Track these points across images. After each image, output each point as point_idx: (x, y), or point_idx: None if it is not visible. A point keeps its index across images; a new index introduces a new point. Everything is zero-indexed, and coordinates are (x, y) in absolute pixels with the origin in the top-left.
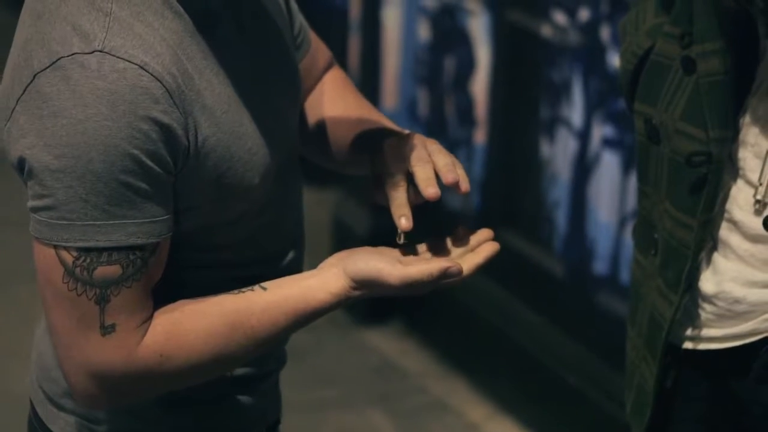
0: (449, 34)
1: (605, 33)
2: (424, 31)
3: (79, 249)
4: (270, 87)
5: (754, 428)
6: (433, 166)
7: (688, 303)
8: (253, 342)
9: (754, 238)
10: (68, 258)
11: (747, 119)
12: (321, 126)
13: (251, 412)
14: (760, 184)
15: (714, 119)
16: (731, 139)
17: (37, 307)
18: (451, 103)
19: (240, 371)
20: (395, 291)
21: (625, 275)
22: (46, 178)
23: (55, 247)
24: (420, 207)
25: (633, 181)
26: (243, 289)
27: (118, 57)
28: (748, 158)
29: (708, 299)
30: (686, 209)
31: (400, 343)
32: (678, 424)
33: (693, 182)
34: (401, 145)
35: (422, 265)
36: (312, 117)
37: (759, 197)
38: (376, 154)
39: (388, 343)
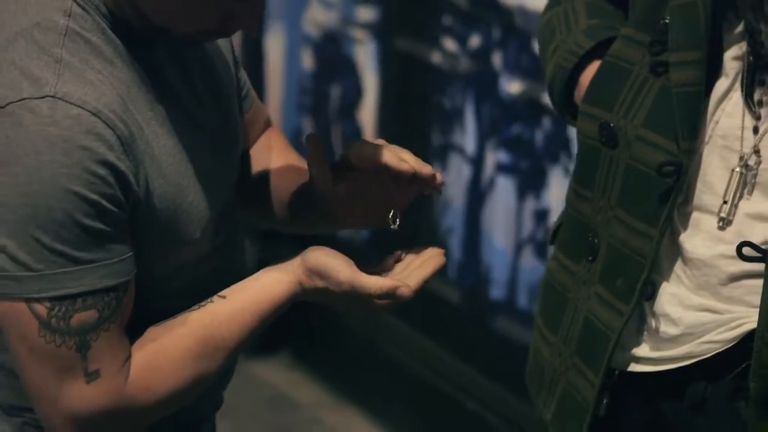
0: (334, 62)
1: (497, 59)
2: (308, 60)
3: (52, 299)
4: (212, 139)
5: None
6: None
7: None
8: (227, 351)
9: (688, 261)
10: (42, 310)
11: (709, 133)
12: (268, 179)
13: None
14: (725, 202)
15: (686, 130)
16: (697, 150)
17: None
18: (338, 132)
19: (181, 417)
20: (341, 295)
21: (522, 300)
22: (9, 233)
23: (27, 300)
24: (308, 238)
25: (528, 206)
26: (203, 303)
27: (70, 103)
28: (710, 174)
29: (644, 317)
30: (648, 219)
31: (289, 374)
32: None
33: (661, 192)
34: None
35: (375, 277)
36: (259, 170)
37: (723, 215)
38: (349, 149)
39: (278, 375)
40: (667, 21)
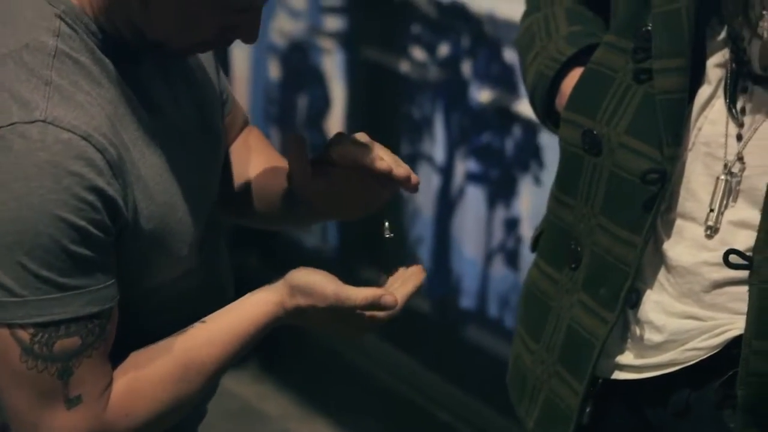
0: (302, 72)
1: (466, 68)
2: (274, 70)
3: (35, 325)
4: (196, 154)
5: None
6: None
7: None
8: (208, 375)
9: (672, 269)
10: (25, 336)
11: (692, 140)
12: (248, 178)
13: None
14: (711, 210)
15: (669, 137)
16: (680, 158)
17: None
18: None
19: (167, 429)
20: (326, 310)
21: (493, 310)
22: None
23: (9, 326)
24: (278, 247)
25: (498, 214)
26: (187, 328)
27: (61, 127)
28: (693, 181)
29: (628, 325)
30: (632, 226)
31: (257, 386)
32: None
33: (645, 200)
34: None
35: (359, 288)
36: (239, 170)
37: (710, 223)
38: (330, 145)
39: (245, 387)
40: (650, 28)
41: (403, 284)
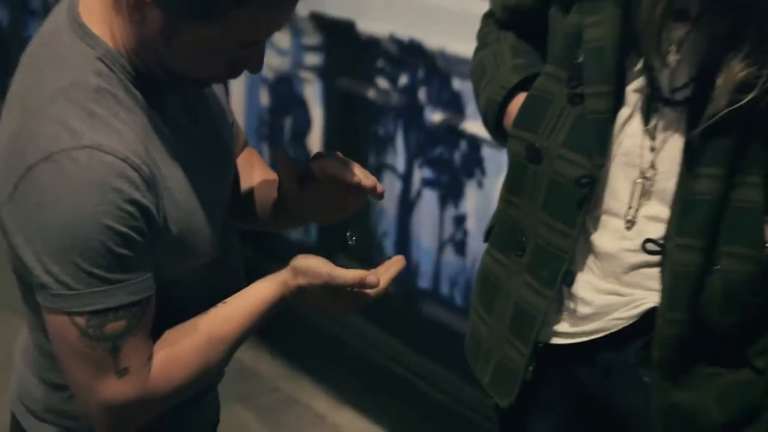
0: (287, 99)
1: (422, 94)
2: (264, 97)
3: (89, 313)
4: (213, 167)
5: (604, 414)
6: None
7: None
8: (230, 345)
9: (598, 255)
10: (81, 321)
11: (615, 152)
12: (252, 190)
13: (200, 418)
14: (630, 207)
15: (597, 149)
16: (605, 166)
17: None
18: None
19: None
20: (320, 288)
21: (444, 289)
22: (54, 260)
23: (69, 314)
24: (270, 241)
25: (449, 213)
26: (210, 309)
27: (104, 152)
28: (616, 185)
29: (564, 300)
30: (567, 221)
31: (253, 351)
32: (540, 408)
33: (579, 199)
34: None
35: (349, 270)
36: (244, 183)
37: (629, 218)
38: (312, 162)
39: (242, 352)
40: (581, 61)
41: (387, 270)
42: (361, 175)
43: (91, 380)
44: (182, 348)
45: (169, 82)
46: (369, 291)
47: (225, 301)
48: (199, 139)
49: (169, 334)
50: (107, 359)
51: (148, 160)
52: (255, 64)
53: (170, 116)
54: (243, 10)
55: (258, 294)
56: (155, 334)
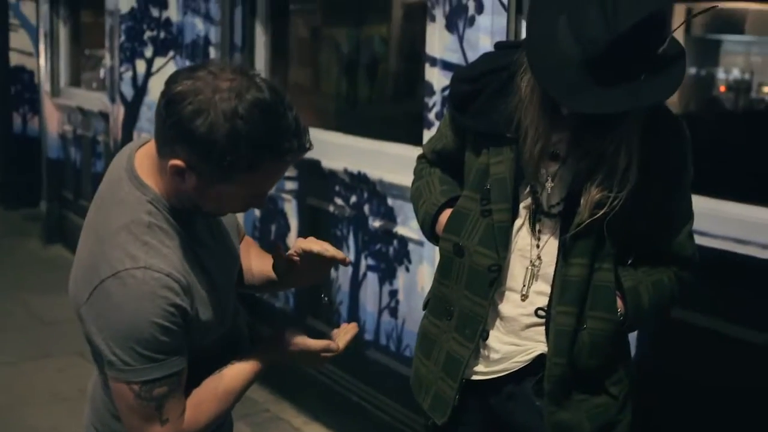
0: (273, 212)
1: (366, 209)
2: (256, 211)
3: (142, 382)
4: (225, 267)
5: (508, 430)
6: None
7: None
8: (236, 396)
9: (503, 318)
10: (136, 387)
11: (513, 248)
12: (252, 269)
13: None
14: (524, 286)
15: (501, 247)
16: (507, 258)
17: None
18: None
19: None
20: (299, 354)
21: (383, 340)
22: (117, 345)
23: (127, 383)
24: (256, 307)
25: (386, 288)
26: (222, 369)
27: (154, 270)
28: (514, 270)
29: (480, 350)
30: (482, 296)
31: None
32: (464, 426)
33: (490, 281)
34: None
35: (317, 340)
36: (247, 264)
37: (524, 293)
38: (295, 245)
39: None
40: (488, 187)
41: (344, 334)
42: (332, 250)
43: (143, 426)
44: (205, 400)
45: (198, 214)
46: (330, 354)
47: (233, 362)
48: (217, 250)
49: (196, 392)
50: (154, 413)
51: (185, 274)
52: (261, 204)
53: (197, 236)
54: (255, 174)
55: (255, 359)
56: (188, 381)
